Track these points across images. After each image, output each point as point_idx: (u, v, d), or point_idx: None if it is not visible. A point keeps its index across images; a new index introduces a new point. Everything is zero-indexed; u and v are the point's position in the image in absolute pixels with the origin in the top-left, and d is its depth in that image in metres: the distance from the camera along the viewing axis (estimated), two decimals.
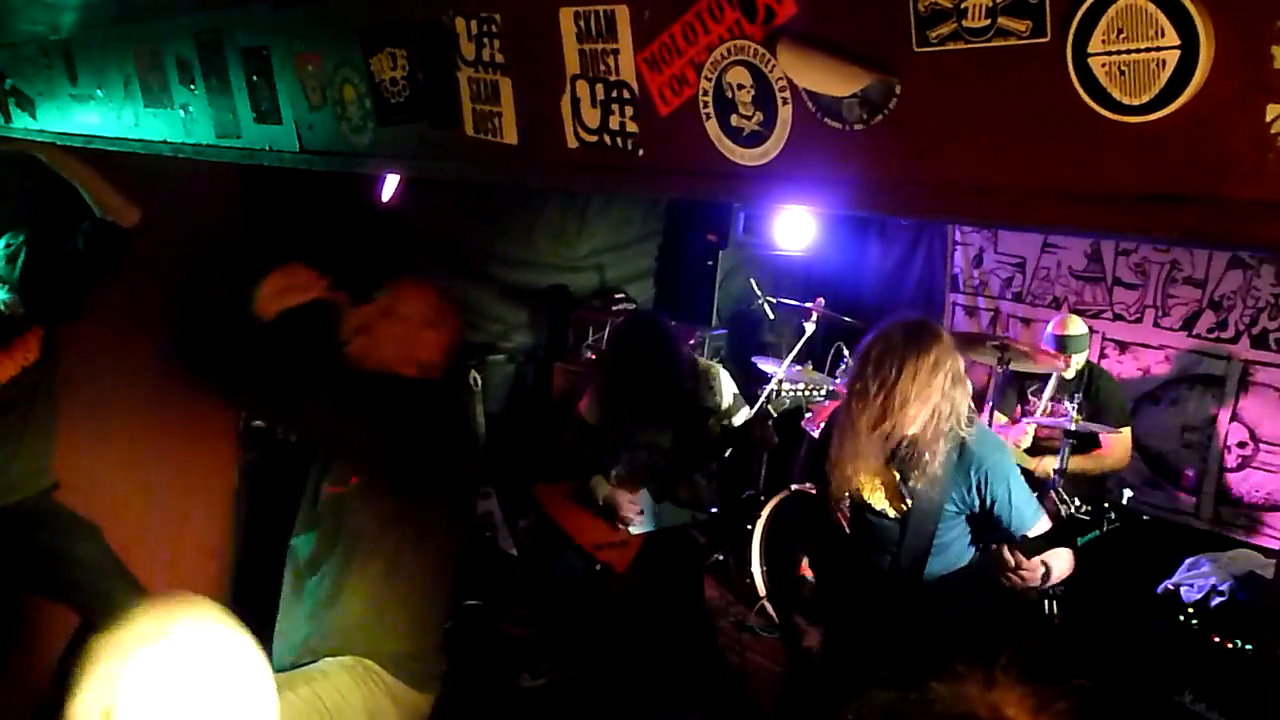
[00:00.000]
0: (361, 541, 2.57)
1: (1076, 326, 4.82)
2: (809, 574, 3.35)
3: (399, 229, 5.62)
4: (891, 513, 3.01)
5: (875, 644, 3.04)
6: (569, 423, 4.46)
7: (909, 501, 2.95)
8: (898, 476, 2.98)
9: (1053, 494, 4.43)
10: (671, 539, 4.31)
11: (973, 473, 2.91)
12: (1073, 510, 4.12)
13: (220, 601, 1.47)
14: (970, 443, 2.92)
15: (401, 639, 2.58)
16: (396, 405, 2.64)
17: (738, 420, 4.35)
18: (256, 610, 2.23)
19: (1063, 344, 4.77)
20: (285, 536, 2.72)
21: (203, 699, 1.33)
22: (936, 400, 2.85)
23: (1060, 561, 2.86)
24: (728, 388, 4.40)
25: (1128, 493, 3.06)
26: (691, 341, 5.84)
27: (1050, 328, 4.88)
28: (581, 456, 4.33)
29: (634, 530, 4.21)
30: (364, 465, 2.61)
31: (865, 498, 3.05)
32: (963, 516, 2.98)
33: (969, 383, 2.97)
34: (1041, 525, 2.90)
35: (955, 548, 3.01)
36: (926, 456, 2.87)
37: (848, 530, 3.16)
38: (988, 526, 2.98)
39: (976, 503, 2.93)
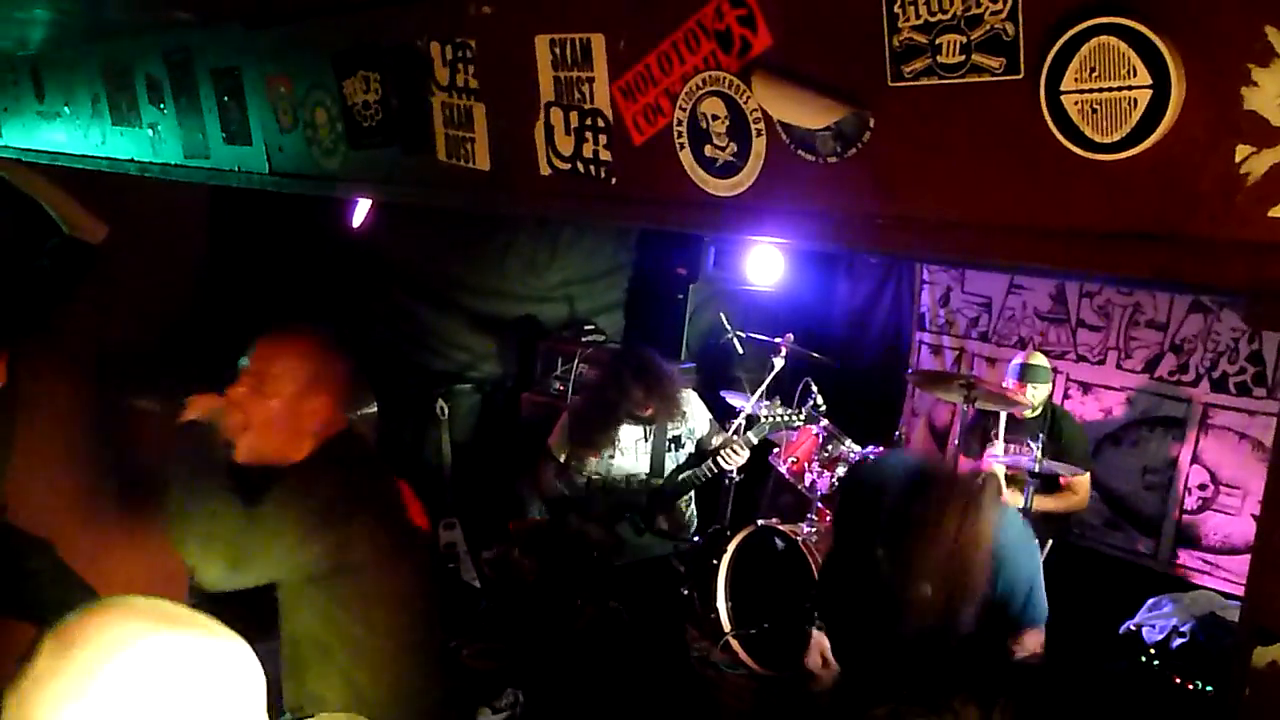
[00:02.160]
0: (311, 635, 2.39)
1: (1040, 359, 4.88)
2: (817, 667, 3.29)
3: (368, 255, 5.58)
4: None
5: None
6: (539, 456, 4.42)
7: None
8: None
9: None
10: (652, 569, 4.28)
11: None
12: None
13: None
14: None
15: (393, 707, 2.46)
16: (295, 496, 2.34)
17: (716, 443, 4.35)
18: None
19: (1025, 372, 4.81)
20: None
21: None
22: None
23: None
24: (700, 413, 4.39)
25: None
26: None
27: (1015, 360, 4.94)
28: (551, 492, 4.29)
29: (614, 562, 4.20)
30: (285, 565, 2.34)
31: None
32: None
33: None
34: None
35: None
36: None
37: None
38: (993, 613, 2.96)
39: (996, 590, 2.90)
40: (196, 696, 1.15)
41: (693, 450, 4.40)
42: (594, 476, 4.29)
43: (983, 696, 1.23)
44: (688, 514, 4.68)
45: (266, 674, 1.25)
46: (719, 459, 4.19)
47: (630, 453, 4.29)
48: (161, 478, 2.45)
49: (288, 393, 2.40)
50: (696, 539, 4.45)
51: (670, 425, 4.34)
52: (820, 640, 3.26)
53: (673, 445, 4.36)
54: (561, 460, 4.32)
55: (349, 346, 2.59)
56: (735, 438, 4.21)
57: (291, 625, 2.44)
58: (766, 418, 4.63)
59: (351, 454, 2.51)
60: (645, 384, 4.17)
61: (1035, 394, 4.84)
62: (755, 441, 4.30)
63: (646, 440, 4.32)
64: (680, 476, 4.28)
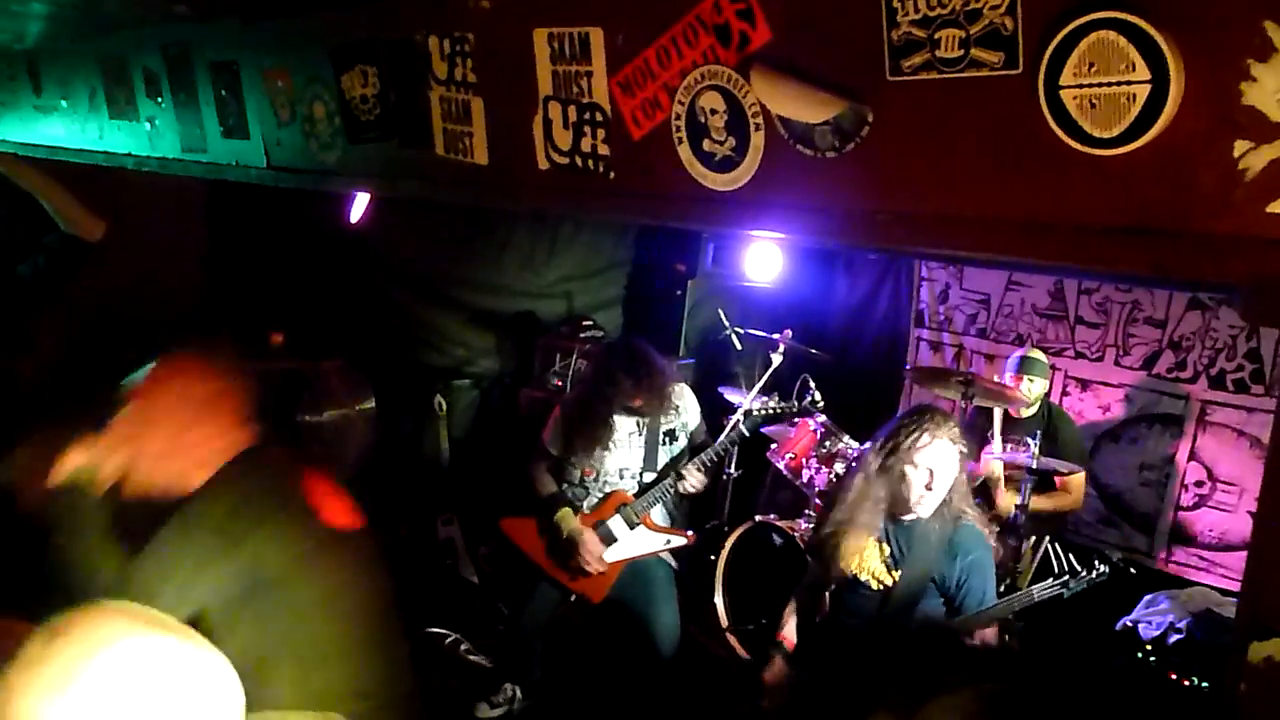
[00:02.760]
0: (253, 657, 2.26)
1: (1038, 354, 4.90)
2: (789, 641, 3.34)
3: (366, 250, 5.58)
4: (874, 585, 3.06)
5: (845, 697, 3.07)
6: (533, 452, 4.39)
7: (896, 575, 3.02)
8: (889, 550, 3.04)
9: (1046, 547, 4.50)
10: (646, 566, 4.25)
11: (959, 560, 3.01)
12: (1064, 561, 4.17)
13: None
14: (962, 530, 3.03)
15: (355, 700, 2.44)
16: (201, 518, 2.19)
17: (702, 438, 4.34)
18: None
19: (1024, 364, 4.81)
20: None
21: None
22: (951, 485, 2.99)
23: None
24: (693, 406, 4.37)
25: (1118, 554, 3.17)
26: None
27: (1015, 353, 4.96)
28: (545, 488, 4.27)
29: (608, 558, 4.17)
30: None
31: (852, 568, 3.09)
32: (937, 593, 3.05)
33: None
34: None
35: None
36: (923, 535, 2.97)
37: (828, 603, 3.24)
38: (949, 606, 3.05)
39: (953, 587, 3.03)
40: (177, 702, 1.17)
41: (686, 444, 4.38)
42: (587, 469, 4.27)
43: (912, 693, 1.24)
44: (680, 509, 4.64)
45: None
46: (681, 482, 4.19)
47: (624, 446, 4.26)
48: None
49: (175, 421, 2.23)
50: (690, 532, 4.42)
51: (664, 419, 4.31)
52: (778, 660, 3.32)
53: (667, 439, 4.33)
54: (555, 455, 4.30)
55: (246, 366, 2.40)
56: (694, 464, 4.20)
57: (230, 655, 2.32)
58: (758, 411, 4.63)
59: (247, 472, 2.31)
60: (635, 375, 4.13)
61: (1032, 388, 4.84)
62: (708, 464, 4.26)
63: (640, 434, 4.29)
64: (646, 493, 4.26)
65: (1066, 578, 3.06)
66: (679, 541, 4.32)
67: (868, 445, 3.16)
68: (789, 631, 3.34)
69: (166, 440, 2.22)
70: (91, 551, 2.20)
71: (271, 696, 2.33)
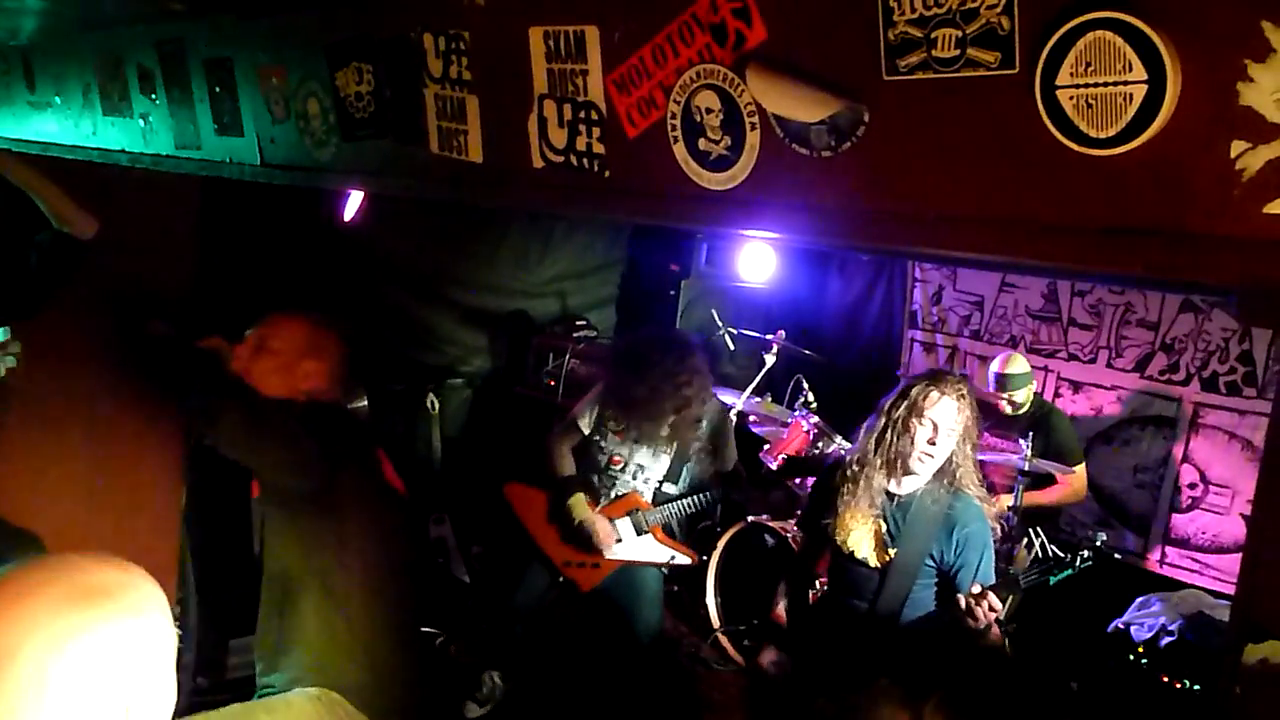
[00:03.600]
0: (291, 569, 2.54)
1: (1017, 365, 4.89)
2: (782, 618, 3.35)
3: (359, 248, 5.57)
4: (873, 561, 3.05)
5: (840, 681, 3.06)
6: (560, 424, 4.28)
7: (892, 552, 3.01)
8: (885, 526, 3.03)
9: (1030, 533, 4.48)
10: (641, 572, 4.21)
11: (955, 533, 3.01)
12: (1047, 548, 4.16)
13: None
14: (959, 505, 3.03)
15: (359, 670, 2.51)
16: (297, 426, 2.59)
17: (728, 467, 4.30)
18: (215, 626, 2.21)
19: (1002, 382, 4.84)
20: (231, 556, 2.69)
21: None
22: (948, 457, 3.00)
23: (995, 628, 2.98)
24: (731, 440, 4.30)
25: (1102, 535, 3.12)
26: None
27: (993, 366, 4.95)
28: (564, 467, 4.16)
29: (608, 557, 4.13)
30: (275, 484, 2.59)
31: (849, 545, 3.09)
32: (934, 572, 3.04)
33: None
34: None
35: (925, 604, 3.06)
36: (919, 511, 2.97)
37: (825, 578, 3.22)
38: (946, 583, 3.04)
39: (951, 562, 3.02)
40: (89, 676, 1.16)
41: (710, 469, 4.26)
42: (615, 458, 4.16)
43: (918, 689, 1.24)
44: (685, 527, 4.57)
45: None
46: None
47: (651, 448, 4.19)
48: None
49: (285, 354, 2.67)
50: (694, 554, 4.38)
51: (698, 436, 4.17)
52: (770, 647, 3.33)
53: (697, 456, 4.21)
54: (585, 434, 4.19)
55: (347, 333, 2.85)
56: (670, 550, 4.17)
57: (272, 562, 2.58)
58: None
59: (342, 414, 2.83)
60: (696, 378, 4.02)
61: (1016, 398, 4.87)
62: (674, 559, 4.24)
63: (670, 443, 4.14)
64: (665, 505, 4.18)
65: (1050, 563, 3.04)
66: (683, 560, 4.28)
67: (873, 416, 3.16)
68: (780, 610, 3.36)
69: (275, 368, 2.66)
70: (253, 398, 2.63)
71: (290, 620, 2.52)
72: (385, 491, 2.73)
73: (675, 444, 4.13)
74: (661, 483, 4.17)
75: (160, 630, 1.25)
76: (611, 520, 4.10)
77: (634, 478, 4.15)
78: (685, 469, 4.19)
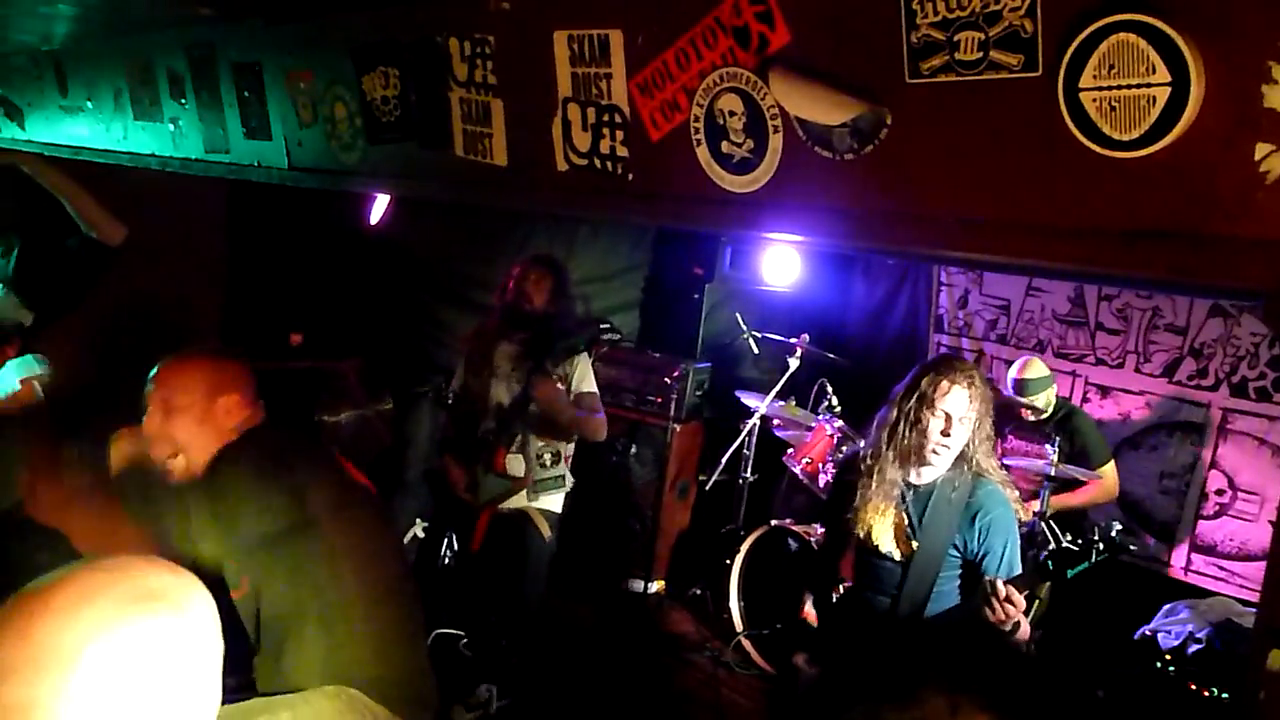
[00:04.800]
0: (284, 609, 2.45)
1: (1035, 369, 4.84)
2: (812, 617, 3.32)
3: (384, 251, 5.61)
4: (897, 554, 3.02)
5: (867, 683, 3.03)
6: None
7: (915, 543, 2.97)
8: (906, 519, 3.00)
9: (1043, 526, 4.44)
10: (517, 531, 4.06)
11: (978, 520, 2.94)
12: (1064, 543, 4.12)
13: None
14: (980, 491, 2.96)
15: (375, 665, 2.52)
16: (239, 473, 2.42)
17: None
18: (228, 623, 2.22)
19: (1020, 388, 4.80)
20: None
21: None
22: (965, 444, 2.93)
23: (1024, 622, 2.91)
24: (587, 374, 4.16)
25: (1116, 525, 3.06)
26: (675, 373, 5.81)
27: (1012, 371, 4.90)
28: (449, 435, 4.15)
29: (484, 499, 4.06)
30: (252, 537, 2.42)
31: (872, 539, 3.06)
32: (959, 563, 2.99)
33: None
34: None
35: (951, 597, 3.02)
36: (940, 500, 2.93)
37: (851, 573, 3.18)
38: (972, 573, 2.99)
39: (975, 550, 2.95)
40: (145, 678, 1.18)
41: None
42: (472, 403, 4.09)
43: (952, 686, 1.23)
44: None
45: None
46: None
47: (504, 377, 4.05)
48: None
49: (198, 400, 2.47)
50: (557, 498, 4.19)
51: (550, 359, 3.99)
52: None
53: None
54: (457, 391, 4.18)
55: (242, 356, 2.65)
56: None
57: (264, 605, 2.48)
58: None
59: (274, 432, 2.59)
60: (540, 277, 3.98)
61: (1036, 403, 4.83)
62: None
63: (522, 365, 4.02)
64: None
65: (1065, 555, 2.94)
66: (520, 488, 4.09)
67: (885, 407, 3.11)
68: (809, 609, 3.32)
69: (196, 418, 2.47)
70: (158, 505, 2.52)
71: (289, 659, 2.42)
72: (356, 492, 2.63)
73: (524, 370, 4.06)
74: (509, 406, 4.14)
75: (210, 633, 1.28)
76: (469, 463, 4.09)
77: (492, 413, 4.11)
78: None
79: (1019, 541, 3.01)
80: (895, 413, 2.99)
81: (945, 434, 2.88)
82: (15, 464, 3.61)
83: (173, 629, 1.22)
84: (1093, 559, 2.74)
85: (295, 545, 2.41)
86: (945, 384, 2.90)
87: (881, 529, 3.04)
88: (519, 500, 4.09)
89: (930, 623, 2.97)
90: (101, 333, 4.15)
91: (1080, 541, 2.75)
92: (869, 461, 3.06)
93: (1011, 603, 2.72)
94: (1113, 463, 4.87)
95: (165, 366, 2.53)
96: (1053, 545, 2.80)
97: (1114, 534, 2.75)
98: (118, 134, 3.32)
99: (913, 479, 3.00)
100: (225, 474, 2.40)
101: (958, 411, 2.88)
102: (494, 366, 4.10)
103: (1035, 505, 4.55)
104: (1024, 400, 4.79)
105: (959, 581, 3.02)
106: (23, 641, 1.15)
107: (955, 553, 2.96)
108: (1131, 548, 2.80)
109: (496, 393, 4.09)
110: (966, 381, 2.90)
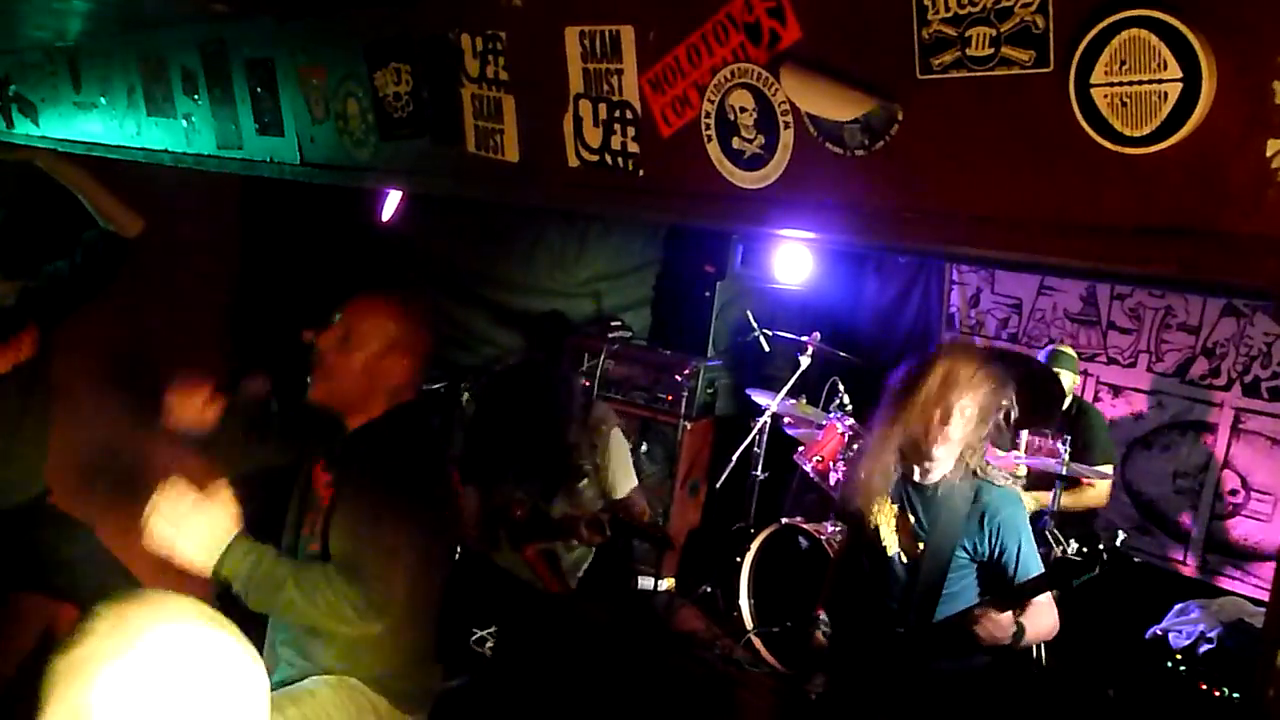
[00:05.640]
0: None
1: (1068, 349, 4.90)
2: (823, 614, 3.28)
3: (396, 248, 5.61)
4: (905, 557, 2.99)
5: (875, 689, 3.02)
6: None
7: (922, 545, 2.93)
8: (913, 520, 2.96)
9: (1047, 535, 4.42)
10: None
11: (986, 522, 2.87)
12: (1068, 551, 4.10)
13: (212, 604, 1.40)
14: (987, 491, 2.89)
15: (385, 658, 2.54)
16: (366, 439, 2.53)
17: (618, 493, 4.05)
18: (255, 616, 2.26)
19: (1054, 358, 4.77)
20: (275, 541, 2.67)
21: (183, 707, 1.18)
22: (965, 439, 2.85)
23: (1041, 620, 2.85)
24: (619, 452, 4.08)
25: (1121, 535, 3.05)
26: (686, 371, 5.81)
27: (1045, 348, 4.94)
28: None
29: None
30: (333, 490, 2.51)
31: (881, 540, 3.03)
32: (973, 566, 2.94)
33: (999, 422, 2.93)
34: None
35: (964, 598, 2.96)
36: (945, 499, 2.89)
37: (866, 570, 3.14)
38: (991, 576, 2.94)
39: (987, 552, 2.89)
40: (224, 694, 1.22)
41: (596, 486, 4.05)
42: None
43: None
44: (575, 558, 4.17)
45: None
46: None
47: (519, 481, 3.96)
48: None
49: (371, 349, 2.52)
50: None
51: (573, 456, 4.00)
52: (818, 634, 3.25)
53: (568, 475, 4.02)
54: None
55: (435, 320, 2.66)
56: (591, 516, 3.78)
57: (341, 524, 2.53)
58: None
59: (422, 426, 2.71)
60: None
61: (1065, 379, 4.80)
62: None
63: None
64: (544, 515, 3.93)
65: (1069, 557, 2.89)
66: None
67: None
68: (820, 635, 3.30)
69: (360, 364, 2.52)
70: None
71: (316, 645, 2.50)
72: (454, 504, 2.75)
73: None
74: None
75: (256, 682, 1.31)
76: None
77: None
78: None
79: (1033, 539, 2.97)
80: (894, 403, 2.93)
81: (944, 422, 2.80)
82: (41, 453, 3.65)
83: (236, 650, 1.27)
84: (1098, 570, 2.69)
85: (396, 533, 2.42)
86: (942, 373, 2.82)
87: (888, 529, 3.02)
88: None
89: (938, 626, 2.94)
90: (123, 320, 4.17)
91: (1086, 550, 2.70)
92: (871, 458, 3.03)
93: (990, 622, 2.71)
94: (1112, 466, 4.85)
95: (361, 301, 2.61)
96: (1057, 552, 2.76)
97: (1118, 542, 2.72)
98: (131, 130, 3.34)
99: (917, 477, 2.96)
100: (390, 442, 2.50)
101: (960, 401, 2.80)
102: None
103: (1046, 498, 4.55)
104: (1054, 370, 4.73)
105: (975, 584, 2.98)
106: None
107: (965, 555, 2.92)
108: (1135, 560, 2.76)
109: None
110: (967, 370, 2.81)
